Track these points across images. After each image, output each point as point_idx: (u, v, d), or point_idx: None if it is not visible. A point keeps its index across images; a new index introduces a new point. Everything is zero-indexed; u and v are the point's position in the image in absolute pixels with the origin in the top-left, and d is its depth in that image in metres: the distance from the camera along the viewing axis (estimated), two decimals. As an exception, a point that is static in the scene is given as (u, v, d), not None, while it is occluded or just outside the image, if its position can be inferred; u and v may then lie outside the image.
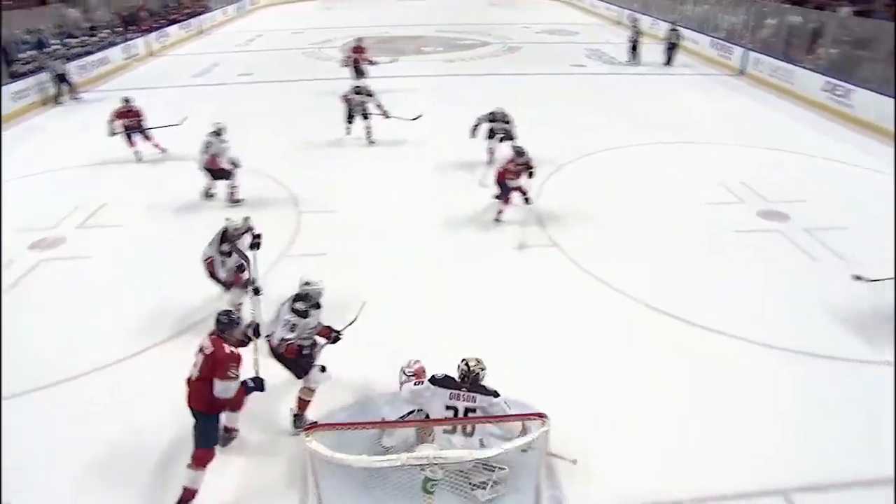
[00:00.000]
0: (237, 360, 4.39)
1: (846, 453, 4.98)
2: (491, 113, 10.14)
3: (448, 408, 4.28)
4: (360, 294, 5.62)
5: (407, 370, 4.85)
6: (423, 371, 4.83)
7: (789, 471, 4.79)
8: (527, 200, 8.47)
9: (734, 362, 6.00)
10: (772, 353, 6.09)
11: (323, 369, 5.09)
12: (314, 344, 5.09)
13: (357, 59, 15.27)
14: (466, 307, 6.76)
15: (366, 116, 11.61)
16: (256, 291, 5.88)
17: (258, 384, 4.58)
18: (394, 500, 4.30)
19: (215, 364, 4.32)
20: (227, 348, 4.39)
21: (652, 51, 19.23)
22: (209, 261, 6.28)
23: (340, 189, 9.91)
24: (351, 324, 5.26)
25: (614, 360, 6.02)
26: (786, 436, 5.13)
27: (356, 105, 11.55)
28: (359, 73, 15.03)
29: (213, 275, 6.33)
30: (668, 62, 18.61)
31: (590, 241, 8.20)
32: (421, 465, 3.50)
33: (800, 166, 10.99)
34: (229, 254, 6.20)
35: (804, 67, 15.40)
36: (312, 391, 5.08)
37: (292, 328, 4.91)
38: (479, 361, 4.44)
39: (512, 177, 8.27)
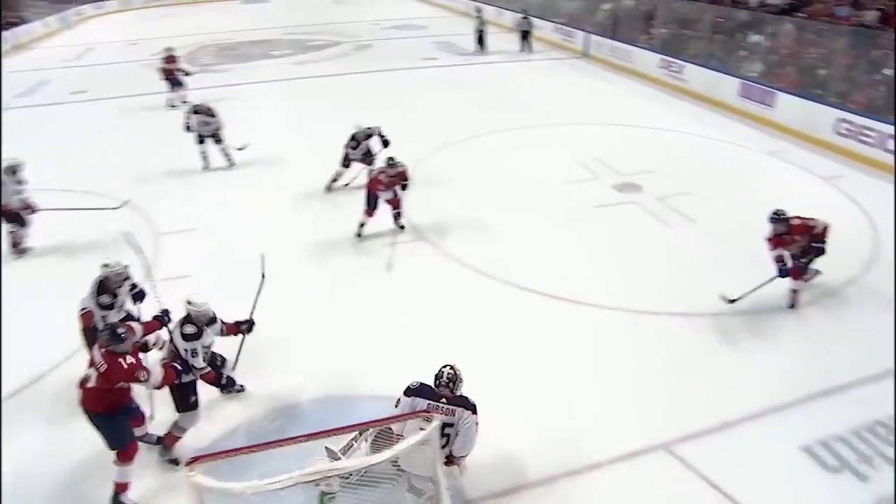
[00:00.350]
0: (136, 365, 4.31)
1: (712, 400, 5.42)
2: (352, 137, 9.30)
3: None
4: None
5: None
6: None
7: (667, 425, 5.12)
8: (397, 216, 8.07)
9: (605, 330, 6.35)
10: (639, 317, 6.49)
11: (242, 388, 5.45)
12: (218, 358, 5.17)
13: (170, 70, 14.35)
14: (345, 323, 6.58)
15: (217, 140, 10.53)
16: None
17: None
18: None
19: (113, 378, 4.24)
20: (124, 363, 4.24)
21: (501, 40, 19.81)
22: (86, 313, 5.36)
23: (200, 214, 9.15)
24: (261, 286, 5.41)
25: (493, 342, 6.15)
26: (657, 392, 5.49)
27: (199, 127, 10.37)
28: (174, 84, 14.30)
29: (88, 329, 5.36)
30: (525, 49, 19.21)
31: (455, 231, 8.32)
32: (315, 480, 3.39)
33: (646, 139, 11.80)
34: (110, 306, 5.36)
35: (640, 47, 16.50)
36: (184, 430, 4.92)
37: (194, 353, 4.73)
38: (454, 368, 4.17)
39: (382, 188, 7.80)
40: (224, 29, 25.89)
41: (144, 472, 4.73)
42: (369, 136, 9.29)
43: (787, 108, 12.01)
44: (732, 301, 6.42)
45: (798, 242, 6.34)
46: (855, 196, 9.25)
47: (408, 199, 8.30)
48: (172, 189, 10.01)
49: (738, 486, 4.59)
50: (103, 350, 4.25)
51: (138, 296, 5.57)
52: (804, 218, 6.37)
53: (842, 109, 11.15)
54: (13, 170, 7.74)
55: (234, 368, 5.43)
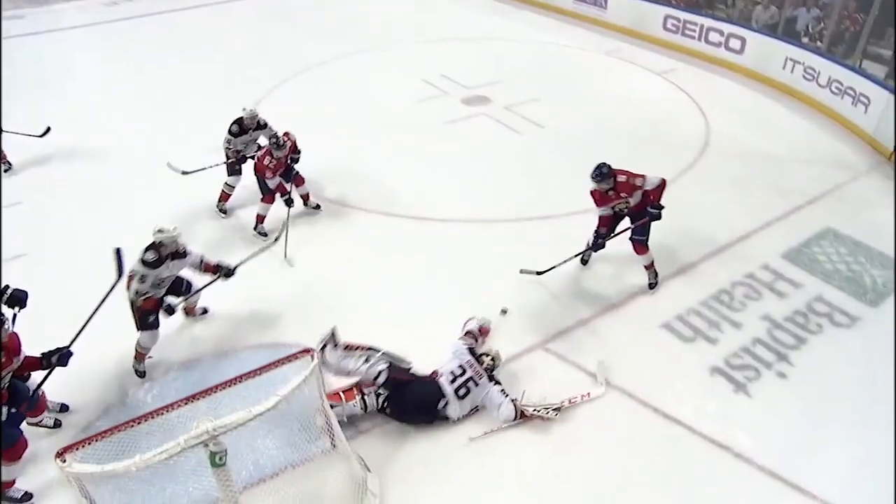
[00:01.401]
0: None
1: (579, 297, 5.79)
2: (236, 123, 6.79)
3: (460, 366, 4.65)
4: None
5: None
6: (487, 330, 5.22)
7: (540, 326, 5.43)
8: (288, 202, 6.51)
9: (471, 242, 6.50)
10: (502, 226, 6.68)
11: (204, 311, 5.61)
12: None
13: None
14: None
15: None
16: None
17: (61, 359, 4.15)
18: (186, 487, 4.09)
19: None
20: None
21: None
22: None
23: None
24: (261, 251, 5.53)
25: (366, 271, 6.12)
26: (529, 296, 5.75)
27: None
28: None
29: None
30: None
31: (312, 167, 8.00)
32: (202, 441, 3.28)
33: (489, 50, 11.84)
34: None
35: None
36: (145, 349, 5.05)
37: (142, 279, 4.72)
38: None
39: (270, 173, 6.42)
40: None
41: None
42: (261, 126, 6.90)
43: (619, 9, 12.50)
44: (540, 273, 5.76)
45: (625, 200, 5.50)
46: (686, 87, 9.90)
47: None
48: None
49: (609, 369, 4.97)
50: None
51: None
52: (631, 174, 5.41)
53: (667, 6, 11.73)
54: None
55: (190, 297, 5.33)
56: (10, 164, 7.99)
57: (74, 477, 3.31)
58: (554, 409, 4.61)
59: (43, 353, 4.18)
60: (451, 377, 4.62)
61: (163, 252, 4.77)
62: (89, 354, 4.52)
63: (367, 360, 4.65)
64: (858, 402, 4.77)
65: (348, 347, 4.70)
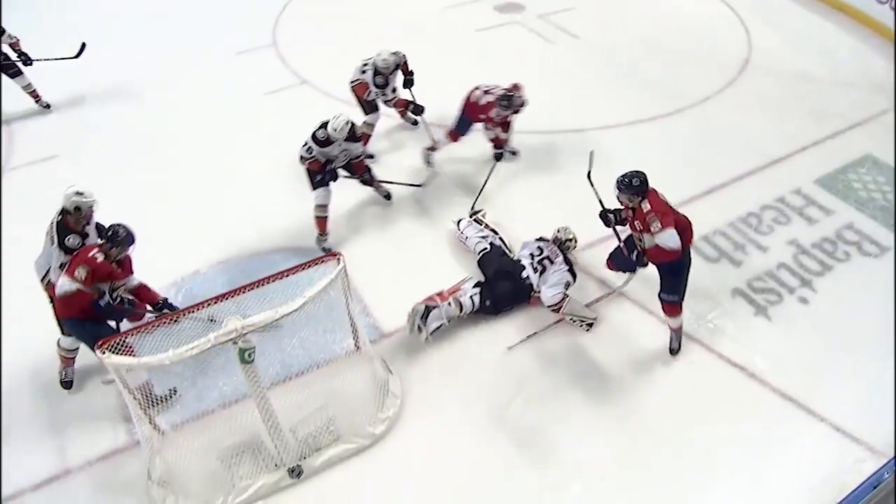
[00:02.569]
0: (100, 270, 3.97)
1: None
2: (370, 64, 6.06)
3: (538, 247, 4.95)
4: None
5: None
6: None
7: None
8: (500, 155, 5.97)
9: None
10: (528, 137, 6.52)
11: (388, 196, 5.89)
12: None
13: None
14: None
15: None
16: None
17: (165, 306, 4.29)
18: (216, 382, 4.28)
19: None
20: (98, 256, 3.97)
21: None
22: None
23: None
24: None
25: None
26: (550, 207, 5.57)
27: None
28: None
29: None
30: None
31: (335, 77, 7.83)
32: (231, 339, 3.41)
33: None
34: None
35: None
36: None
37: (308, 150, 5.05)
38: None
39: (491, 125, 5.84)
40: None
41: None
42: (398, 65, 6.13)
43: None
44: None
45: (637, 232, 4.27)
46: (731, 1, 9.39)
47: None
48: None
49: (629, 286, 5.00)
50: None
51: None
52: (660, 209, 4.02)
53: None
54: None
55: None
56: (47, 103, 7.24)
57: (113, 367, 3.48)
58: (587, 324, 4.73)
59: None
60: (530, 257, 4.89)
61: (331, 137, 5.01)
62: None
63: (483, 237, 5.18)
64: (880, 332, 4.74)
65: (478, 221, 5.36)
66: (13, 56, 6.83)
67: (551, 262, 4.87)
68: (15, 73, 6.94)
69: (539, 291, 4.78)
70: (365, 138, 6.00)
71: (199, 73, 7.78)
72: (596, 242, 5.22)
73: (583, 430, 4.19)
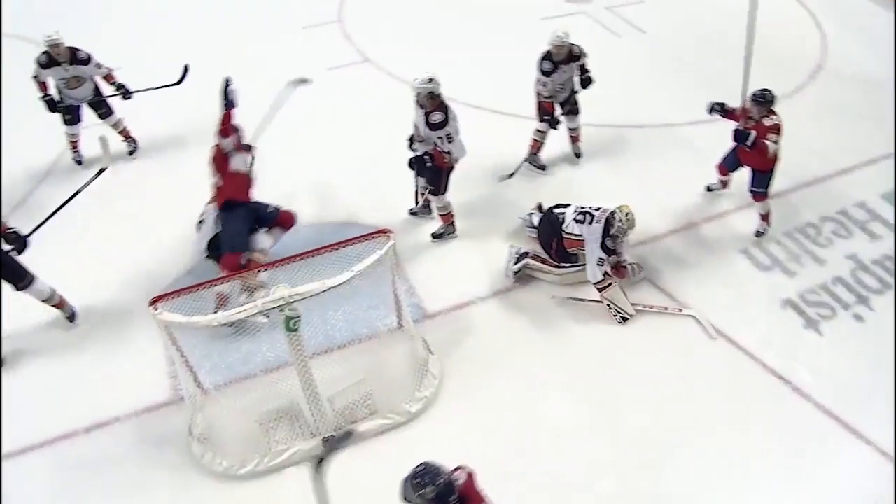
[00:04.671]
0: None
1: (665, 205, 5.65)
2: (547, 56, 5.67)
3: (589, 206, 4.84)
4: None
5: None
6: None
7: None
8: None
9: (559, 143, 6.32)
10: (588, 130, 6.43)
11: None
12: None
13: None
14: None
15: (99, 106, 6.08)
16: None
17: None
18: (261, 347, 4.40)
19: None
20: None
21: None
22: None
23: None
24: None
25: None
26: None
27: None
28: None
29: None
30: None
31: (401, 52, 7.88)
32: (279, 306, 3.50)
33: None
34: None
35: None
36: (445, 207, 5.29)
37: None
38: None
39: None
40: None
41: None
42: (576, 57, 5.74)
43: None
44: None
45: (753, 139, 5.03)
46: (808, 1, 9.06)
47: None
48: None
49: (678, 285, 4.94)
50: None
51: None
52: (773, 127, 5.04)
53: None
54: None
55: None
56: (135, 141, 6.40)
57: (163, 324, 3.61)
58: (622, 317, 4.73)
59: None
60: (576, 208, 4.87)
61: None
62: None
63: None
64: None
65: (539, 208, 5.34)
66: (107, 90, 5.97)
67: (592, 219, 4.71)
68: (106, 114, 6.08)
69: (571, 232, 4.82)
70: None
71: (264, 45, 7.90)
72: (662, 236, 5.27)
73: (617, 428, 4.17)
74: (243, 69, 7.40)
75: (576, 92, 5.89)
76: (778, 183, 5.85)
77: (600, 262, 4.68)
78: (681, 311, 4.83)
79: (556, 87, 5.73)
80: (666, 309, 4.85)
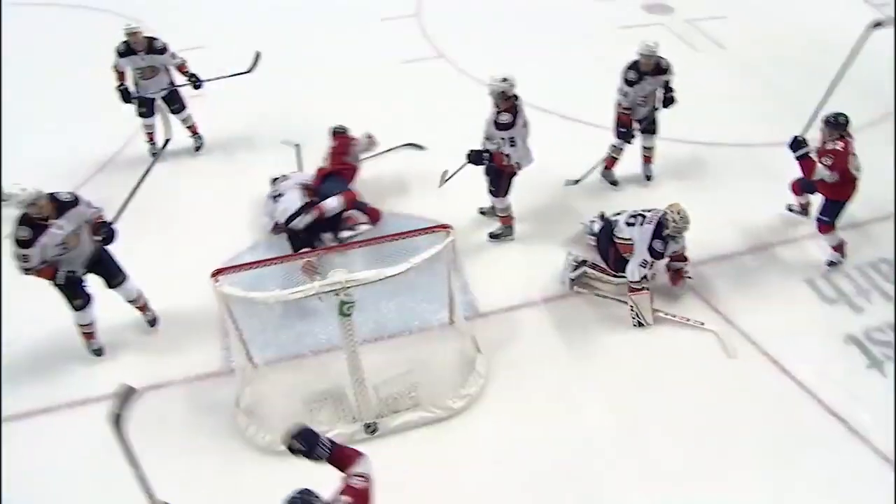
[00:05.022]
0: None
1: (727, 231, 5.53)
2: (634, 66, 5.61)
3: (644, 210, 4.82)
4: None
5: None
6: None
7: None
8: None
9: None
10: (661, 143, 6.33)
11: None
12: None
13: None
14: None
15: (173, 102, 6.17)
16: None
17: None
18: (313, 329, 4.47)
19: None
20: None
21: None
22: None
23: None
24: None
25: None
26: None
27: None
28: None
29: None
30: None
31: (475, 49, 7.90)
32: (335, 290, 3.55)
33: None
34: None
35: None
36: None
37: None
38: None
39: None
40: None
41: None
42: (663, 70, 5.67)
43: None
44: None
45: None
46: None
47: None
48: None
49: (736, 310, 4.80)
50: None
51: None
52: (836, 152, 4.79)
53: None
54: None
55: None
56: (201, 137, 6.46)
57: (222, 296, 3.71)
58: (638, 322, 4.70)
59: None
60: (631, 211, 4.86)
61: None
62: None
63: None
64: None
65: (601, 216, 5.25)
66: (179, 80, 6.04)
67: (643, 219, 4.70)
68: (179, 109, 6.16)
69: (621, 237, 4.80)
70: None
71: (343, 35, 8.04)
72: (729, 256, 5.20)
73: (652, 450, 4.07)
74: (323, 56, 7.67)
75: (656, 109, 5.77)
76: (856, 212, 5.63)
77: (643, 264, 4.61)
78: (702, 324, 4.73)
79: (638, 100, 5.61)
80: (688, 320, 4.75)
